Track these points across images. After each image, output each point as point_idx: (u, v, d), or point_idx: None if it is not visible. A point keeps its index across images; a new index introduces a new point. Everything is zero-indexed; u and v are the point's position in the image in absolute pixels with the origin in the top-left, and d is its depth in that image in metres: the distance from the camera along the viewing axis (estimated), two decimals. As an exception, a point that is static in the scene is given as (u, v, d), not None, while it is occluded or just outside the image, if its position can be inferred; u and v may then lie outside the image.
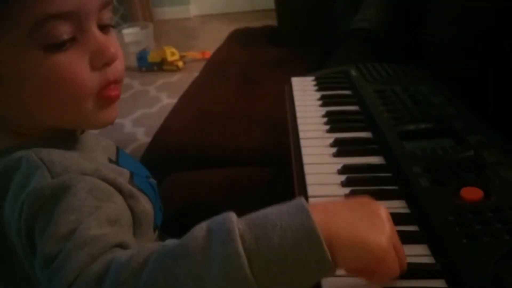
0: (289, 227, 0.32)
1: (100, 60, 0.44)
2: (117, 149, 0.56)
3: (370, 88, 0.81)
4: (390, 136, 0.63)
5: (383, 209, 0.37)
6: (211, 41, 2.86)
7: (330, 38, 1.32)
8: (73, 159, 0.44)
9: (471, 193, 0.47)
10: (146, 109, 2.29)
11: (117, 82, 0.47)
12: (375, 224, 0.35)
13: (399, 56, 0.94)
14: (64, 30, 0.41)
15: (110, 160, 0.53)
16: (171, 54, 2.65)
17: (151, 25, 3.12)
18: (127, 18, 3.35)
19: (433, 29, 0.87)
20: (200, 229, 0.34)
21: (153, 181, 0.59)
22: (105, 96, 0.45)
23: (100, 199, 0.41)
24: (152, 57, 2.69)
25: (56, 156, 0.43)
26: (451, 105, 0.70)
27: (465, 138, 0.60)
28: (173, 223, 0.82)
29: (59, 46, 0.41)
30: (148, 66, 2.70)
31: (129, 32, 3.04)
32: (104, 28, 0.46)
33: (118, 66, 0.46)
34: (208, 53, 2.62)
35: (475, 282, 0.37)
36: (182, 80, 2.49)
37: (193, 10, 3.66)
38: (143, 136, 2.05)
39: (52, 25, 0.40)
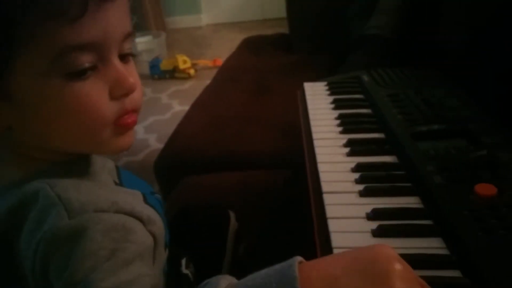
0: None
1: (120, 91, 0.44)
2: (117, 169, 0.56)
3: (382, 92, 0.82)
4: (403, 137, 0.64)
5: (396, 266, 0.31)
6: (222, 49, 2.90)
7: (342, 45, 1.34)
8: (89, 192, 0.44)
9: (486, 189, 0.48)
10: (158, 116, 2.32)
11: (134, 111, 0.47)
12: None
13: (412, 61, 0.95)
14: (86, 60, 0.42)
15: (115, 183, 0.53)
16: (183, 62, 2.69)
17: (164, 34, 3.17)
18: (140, 27, 3.41)
19: (448, 32, 0.88)
20: None
21: (158, 196, 0.59)
22: (122, 124, 0.46)
23: (117, 239, 0.41)
24: (165, 65, 2.73)
25: (72, 191, 0.43)
26: (465, 107, 0.71)
27: (479, 138, 0.60)
28: (187, 225, 0.83)
29: (80, 74, 0.42)
30: (160, 74, 2.74)
31: (142, 41, 3.09)
32: (124, 57, 0.46)
33: (136, 96, 0.47)
34: (220, 61, 2.65)
35: (492, 273, 0.37)
36: (194, 88, 2.52)
37: (205, 19, 3.72)
38: (155, 143, 2.08)
39: (75, 55, 0.41)
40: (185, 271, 0.67)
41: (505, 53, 0.69)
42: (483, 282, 0.37)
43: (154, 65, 2.75)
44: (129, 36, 0.46)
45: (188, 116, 1.37)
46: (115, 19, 0.43)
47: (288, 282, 0.30)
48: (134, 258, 0.41)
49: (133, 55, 0.48)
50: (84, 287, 0.37)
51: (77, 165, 0.48)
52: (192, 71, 2.71)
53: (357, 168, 0.59)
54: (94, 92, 0.43)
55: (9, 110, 0.43)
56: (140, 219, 0.45)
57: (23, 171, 0.46)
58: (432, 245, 0.44)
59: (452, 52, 0.87)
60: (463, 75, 0.79)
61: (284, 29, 1.93)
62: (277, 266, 0.32)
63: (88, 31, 0.41)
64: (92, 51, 0.42)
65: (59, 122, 0.43)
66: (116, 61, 0.44)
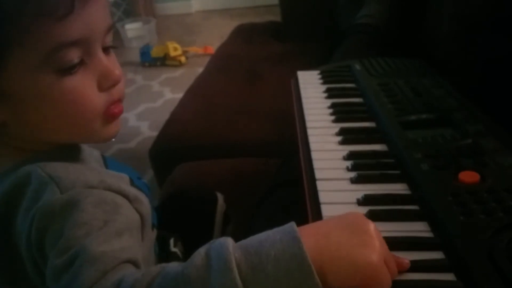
0: (282, 256, 0.35)
1: (108, 82, 0.48)
2: (103, 157, 0.59)
3: (373, 81, 0.84)
4: (393, 126, 0.67)
5: (372, 225, 0.39)
6: (213, 37, 2.89)
7: (334, 33, 1.35)
8: (78, 172, 0.46)
9: (469, 176, 0.50)
10: (149, 104, 2.32)
11: (120, 100, 0.50)
12: (365, 242, 0.37)
13: (402, 51, 0.97)
14: (75, 55, 0.44)
15: None
16: (174, 49, 2.68)
17: (154, 20, 3.15)
18: (130, 13, 3.38)
19: (434, 25, 0.90)
20: (199, 256, 0.36)
21: (145, 182, 0.62)
22: (111, 114, 0.49)
23: (108, 212, 0.43)
24: (155, 52, 2.72)
25: (62, 171, 0.45)
26: (451, 97, 0.73)
27: (464, 128, 0.63)
28: (178, 207, 0.85)
29: (70, 69, 0.44)
30: (151, 61, 2.73)
31: (132, 27, 3.07)
32: (106, 49, 0.49)
33: (121, 86, 0.50)
34: (211, 49, 2.65)
35: (470, 254, 0.40)
36: (185, 75, 2.52)
37: (195, 5, 3.69)
38: (147, 130, 2.09)
39: (65, 51, 0.43)
40: (173, 249, 0.70)
41: (489, 45, 0.72)
42: (462, 260, 0.40)
43: (144, 52, 2.73)
44: (111, 29, 0.49)
45: (182, 104, 1.38)
46: (98, 14, 0.46)
47: (290, 233, 0.36)
48: (124, 230, 0.43)
49: (113, 47, 0.51)
50: (79, 251, 0.38)
51: (67, 153, 0.51)
52: (183, 59, 2.71)
53: (349, 156, 0.61)
54: (84, 86, 0.46)
55: (3, 106, 0.45)
56: (126, 197, 0.48)
57: (15, 161, 0.48)
58: (417, 229, 0.47)
59: (438, 44, 0.89)
60: (448, 65, 0.82)
61: (274, 16, 1.94)
62: (277, 228, 0.38)
63: (76, 28, 0.43)
64: (79, 46, 0.44)
65: (53, 116, 0.46)
66: (101, 55, 0.47)
